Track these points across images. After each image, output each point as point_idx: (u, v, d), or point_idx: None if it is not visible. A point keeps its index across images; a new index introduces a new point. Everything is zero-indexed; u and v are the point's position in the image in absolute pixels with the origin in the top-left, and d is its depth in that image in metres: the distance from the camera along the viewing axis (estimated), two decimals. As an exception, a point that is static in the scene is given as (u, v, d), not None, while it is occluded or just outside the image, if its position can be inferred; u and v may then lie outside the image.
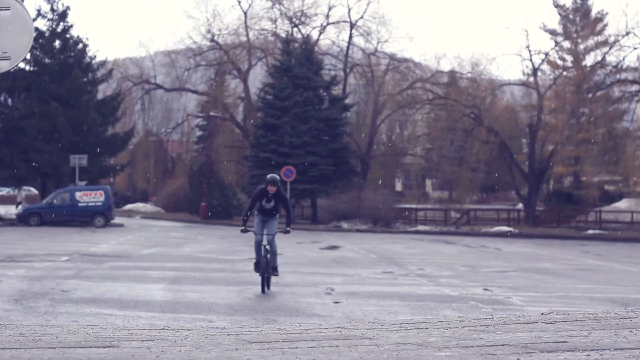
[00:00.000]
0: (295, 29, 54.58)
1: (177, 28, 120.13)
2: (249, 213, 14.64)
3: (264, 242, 14.50)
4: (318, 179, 44.89)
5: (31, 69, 47.49)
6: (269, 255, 14.45)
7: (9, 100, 48.85)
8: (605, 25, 48.56)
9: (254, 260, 14.83)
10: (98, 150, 47.53)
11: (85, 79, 48.58)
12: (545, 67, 50.65)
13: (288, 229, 14.39)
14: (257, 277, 14.86)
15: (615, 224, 44.78)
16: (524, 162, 50.06)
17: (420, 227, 43.52)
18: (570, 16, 49.81)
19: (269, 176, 14.38)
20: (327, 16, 54.64)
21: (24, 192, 44.43)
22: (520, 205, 51.32)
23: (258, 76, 59.11)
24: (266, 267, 14.28)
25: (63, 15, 48.74)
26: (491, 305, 13.11)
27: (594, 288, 16.65)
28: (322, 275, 17.64)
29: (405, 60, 54.54)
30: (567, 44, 50.08)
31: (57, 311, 11.44)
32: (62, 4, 49.22)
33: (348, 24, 53.94)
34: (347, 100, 51.04)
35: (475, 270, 20.29)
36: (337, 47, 55.97)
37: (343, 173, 47.19)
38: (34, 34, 8.86)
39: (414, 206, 52.74)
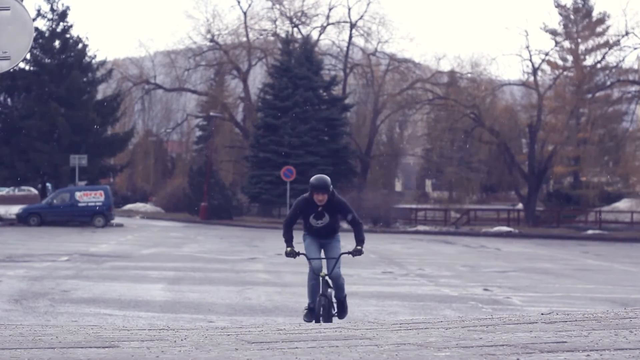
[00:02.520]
0: (295, 29, 54.63)
1: (177, 28, 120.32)
2: (290, 230, 9.59)
3: (324, 271, 9.59)
4: (318, 179, 44.87)
5: (31, 69, 47.51)
6: (331, 293, 9.65)
7: (9, 100, 48.87)
8: (608, 26, 48.59)
9: (307, 305, 9.70)
10: (98, 150, 47.55)
11: (85, 79, 48.59)
12: (545, 67, 50.70)
13: (359, 247, 9.51)
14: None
15: (615, 224, 44.80)
16: (523, 162, 50.07)
17: (420, 227, 43.53)
18: (571, 16, 49.81)
19: (313, 179, 9.24)
20: (328, 16, 54.69)
21: None
22: (520, 206, 51.34)
23: (258, 76, 59.13)
24: (328, 311, 9.53)
25: (63, 15, 48.75)
26: (491, 305, 13.11)
27: (593, 288, 16.64)
28: (322, 276, 17.62)
29: (405, 60, 54.57)
30: (567, 44, 50.09)
31: (57, 311, 11.44)
32: (62, 4, 49.24)
33: (348, 24, 53.99)
34: (347, 101, 51.05)
35: (475, 270, 20.29)
36: (337, 48, 56.01)
37: (343, 173, 47.19)
38: (34, 34, 8.87)
39: (413, 206, 52.74)
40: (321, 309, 9.38)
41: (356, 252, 9.55)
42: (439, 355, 3.51)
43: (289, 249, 9.55)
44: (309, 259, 9.58)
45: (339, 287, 9.69)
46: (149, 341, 4.16)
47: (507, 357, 3.41)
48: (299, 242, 9.66)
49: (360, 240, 9.54)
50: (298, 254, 9.54)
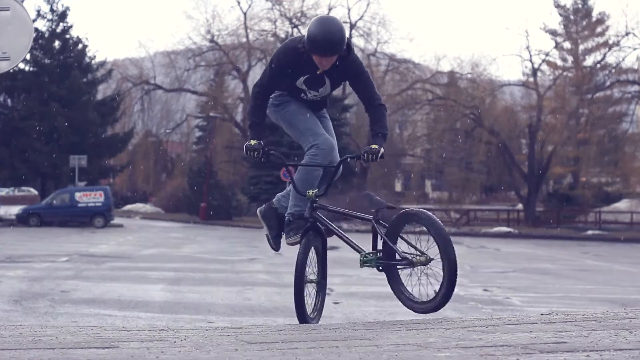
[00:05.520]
0: (295, 30, 54.64)
1: (177, 29, 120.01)
2: (263, 105, 5.78)
3: (310, 191, 5.82)
4: (318, 180, 44.86)
5: (31, 69, 47.57)
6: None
7: (9, 101, 48.93)
8: (607, 27, 48.66)
9: (289, 215, 5.97)
10: (98, 150, 47.58)
11: (84, 80, 48.65)
12: (545, 67, 50.78)
13: (375, 145, 5.51)
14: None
15: (614, 224, 44.82)
16: (523, 162, 50.09)
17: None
18: (571, 17, 49.87)
19: (316, 27, 5.26)
20: (327, 17, 54.69)
21: None
22: (520, 206, 51.34)
23: (257, 76, 59.11)
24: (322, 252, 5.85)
25: (63, 16, 48.81)
26: (491, 305, 13.11)
27: (593, 289, 16.65)
28: (322, 276, 17.60)
29: (405, 61, 54.60)
30: (567, 45, 50.15)
31: (56, 312, 11.44)
32: (62, 5, 49.39)
33: (348, 25, 53.99)
34: (347, 101, 51.06)
35: (475, 270, 20.29)
36: (337, 48, 56.02)
37: (342, 174, 47.09)
38: (34, 35, 8.87)
39: (413, 207, 52.71)
40: (302, 260, 5.46)
41: (370, 154, 5.46)
42: (438, 356, 3.51)
43: (253, 141, 5.62)
44: (285, 164, 5.98)
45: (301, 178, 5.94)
46: (149, 342, 4.17)
47: (506, 358, 3.41)
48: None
49: (381, 132, 5.56)
50: (268, 153, 5.72)
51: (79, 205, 39.70)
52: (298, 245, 5.64)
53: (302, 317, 5.58)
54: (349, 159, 5.91)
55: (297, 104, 5.80)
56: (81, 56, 49.13)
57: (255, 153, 5.64)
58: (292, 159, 6.03)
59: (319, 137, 5.74)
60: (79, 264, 19.12)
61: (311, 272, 5.68)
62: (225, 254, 23.94)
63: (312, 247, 5.66)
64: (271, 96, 5.81)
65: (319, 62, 5.41)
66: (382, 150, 5.50)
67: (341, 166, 5.92)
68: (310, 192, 5.72)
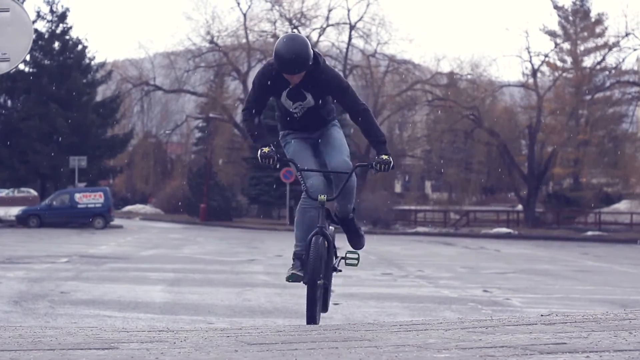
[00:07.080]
0: (295, 31, 54.63)
1: (177, 30, 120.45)
2: (254, 119, 6.10)
3: (321, 196, 5.70)
4: (317, 181, 44.81)
5: (30, 70, 47.56)
6: (333, 232, 6.11)
7: (9, 102, 48.92)
8: (606, 27, 48.68)
9: (294, 252, 5.97)
10: (97, 151, 47.58)
11: (84, 81, 48.65)
12: (544, 68, 50.78)
13: (383, 155, 5.66)
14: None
15: (614, 225, 44.81)
16: (523, 163, 50.10)
17: (420, 229, 43.53)
18: (570, 18, 49.88)
19: (280, 46, 5.53)
20: (327, 18, 54.72)
21: None
22: (519, 207, 51.36)
23: (257, 78, 59.04)
24: (326, 264, 5.95)
25: (62, 17, 48.81)
26: (490, 306, 13.11)
27: (593, 289, 16.65)
28: (322, 277, 17.57)
29: (405, 61, 54.58)
30: (566, 46, 50.17)
31: (56, 313, 11.43)
32: (62, 6, 49.41)
33: (348, 26, 54.03)
34: (347, 102, 51.08)
35: (475, 271, 20.30)
36: (337, 49, 56.00)
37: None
38: (34, 36, 8.89)
39: (413, 208, 52.74)
40: (314, 258, 5.53)
41: (382, 164, 5.63)
42: (438, 357, 3.51)
43: (265, 148, 5.68)
44: (298, 169, 5.80)
45: (350, 191, 5.91)
46: (149, 342, 4.17)
47: (506, 359, 3.41)
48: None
49: (381, 140, 5.72)
50: (282, 159, 5.80)
51: (79, 206, 39.70)
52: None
53: (312, 315, 5.69)
54: (359, 168, 6.11)
55: (296, 144, 6.05)
56: (81, 57, 49.13)
57: (270, 160, 5.73)
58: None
59: (308, 179, 5.85)
60: (78, 265, 19.11)
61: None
62: (225, 255, 23.93)
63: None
64: (282, 133, 6.21)
65: (289, 78, 5.71)
66: (392, 160, 5.73)
67: (354, 173, 5.95)
68: (322, 196, 5.74)
